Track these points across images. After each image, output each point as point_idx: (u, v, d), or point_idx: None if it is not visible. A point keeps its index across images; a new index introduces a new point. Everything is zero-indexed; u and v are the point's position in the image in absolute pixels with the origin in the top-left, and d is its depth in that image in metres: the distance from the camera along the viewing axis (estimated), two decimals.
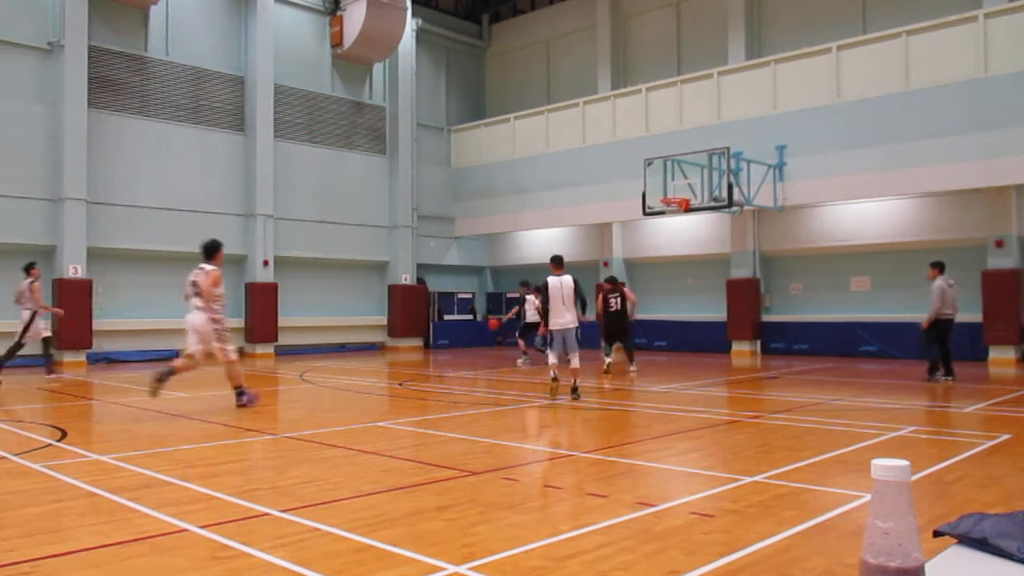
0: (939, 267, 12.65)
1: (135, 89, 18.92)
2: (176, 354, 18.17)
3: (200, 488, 5.36)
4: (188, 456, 6.66)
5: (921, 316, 16.54)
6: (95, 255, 17.86)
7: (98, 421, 9.44)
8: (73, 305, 17.10)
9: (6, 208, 16.89)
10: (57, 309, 15.26)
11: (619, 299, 15.04)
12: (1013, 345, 16.03)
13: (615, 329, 15.04)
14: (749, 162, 17.32)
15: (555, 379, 10.54)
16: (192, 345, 9.70)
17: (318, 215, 22.01)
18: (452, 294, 25.47)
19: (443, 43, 25.73)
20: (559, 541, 4.12)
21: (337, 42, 22.35)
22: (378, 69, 23.62)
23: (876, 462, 2.19)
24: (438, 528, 4.40)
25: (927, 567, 2.19)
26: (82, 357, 17.50)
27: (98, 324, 17.69)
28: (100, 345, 17.95)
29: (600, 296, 15.33)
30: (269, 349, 20.59)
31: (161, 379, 9.60)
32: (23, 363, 16.88)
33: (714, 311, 20.60)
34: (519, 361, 17.24)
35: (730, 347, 19.98)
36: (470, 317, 25.82)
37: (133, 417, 9.28)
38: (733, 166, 16.78)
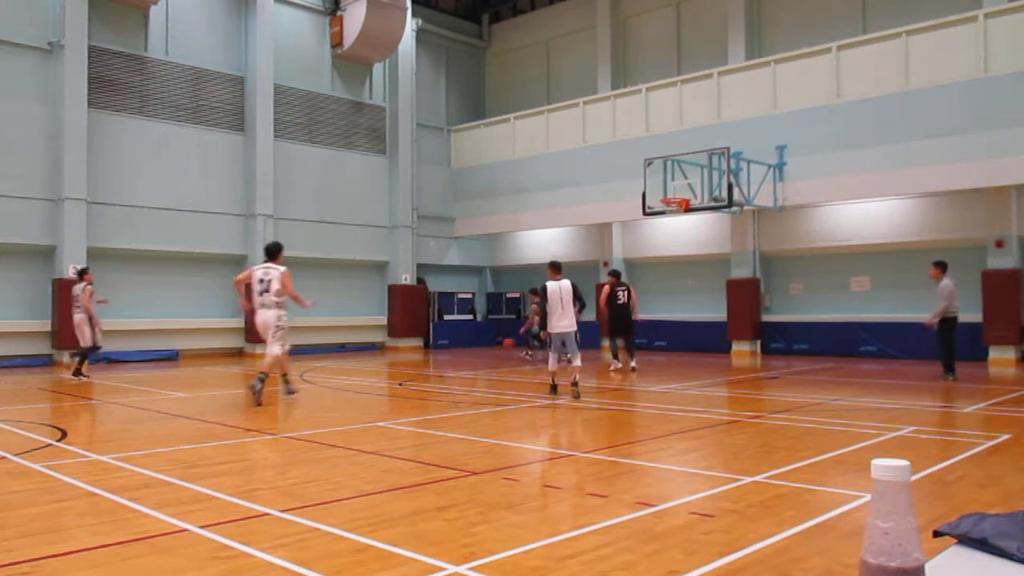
0: (943, 266, 12.74)
1: (135, 89, 18.92)
2: (176, 354, 18.21)
3: (200, 488, 5.36)
4: (188, 456, 6.66)
5: (922, 316, 16.58)
6: (95, 255, 17.85)
7: (98, 421, 9.44)
8: (73, 305, 17.07)
9: (6, 208, 16.89)
10: (95, 323, 14.78)
11: (626, 292, 15.30)
12: (1013, 345, 16.03)
13: (622, 323, 15.11)
14: (749, 162, 17.31)
15: (554, 386, 10.79)
16: (270, 342, 10.35)
17: (318, 215, 22.01)
18: (452, 294, 25.47)
19: (443, 43, 25.73)
20: (559, 541, 4.12)
21: (337, 42, 22.35)
22: (378, 69, 23.62)
23: (876, 462, 2.19)
24: (438, 528, 4.40)
25: (927, 567, 2.19)
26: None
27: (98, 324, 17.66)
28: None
29: (607, 289, 15.33)
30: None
31: (257, 390, 10.07)
32: (25, 363, 16.90)
33: (714, 311, 20.60)
34: (527, 355, 17.66)
35: (730, 347, 19.98)
36: (470, 317, 25.82)
37: (133, 417, 9.29)
38: (733, 166, 16.78)
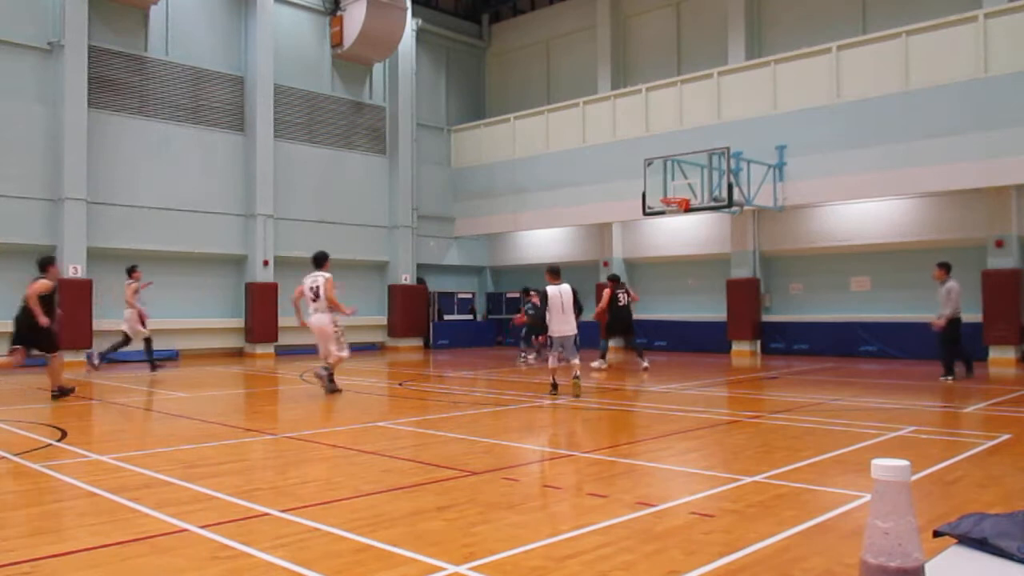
0: (947, 268, 12.84)
1: (135, 89, 18.91)
2: (176, 353, 18.29)
3: (200, 488, 5.36)
4: (188, 456, 6.66)
5: (922, 316, 16.59)
6: (95, 255, 17.86)
7: (98, 421, 9.44)
8: (73, 305, 17.11)
9: (6, 208, 16.89)
10: (143, 316, 15.39)
11: (626, 294, 15.56)
12: (1013, 345, 16.03)
13: (624, 324, 15.25)
14: (749, 162, 17.31)
15: (555, 386, 10.82)
16: (324, 347, 11.32)
17: (318, 215, 22.01)
18: (452, 294, 25.47)
19: (443, 43, 25.73)
20: (559, 541, 4.12)
21: (337, 42, 22.35)
22: (378, 69, 23.62)
23: (876, 462, 2.19)
24: (438, 528, 4.40)
25: (927, 567, 2.18)
26: (82, 357, 17.47)
27: (98, 324, 17.68)
28: (100, 345, 17.93)
29: (608, 291, 15.42)
30: (269, 349, 20.59)
31: (331, 380, 11.19)
32: (25, 363, 16.87)
33: (714, 311, 20.60)
34: (530, 357, 17.79)
35: (730, 347, 19.98)
36: (470, 317, 25.82)
37: (133, 417, 9.29)
38: (733, 166, 16.78)
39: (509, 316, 25.55)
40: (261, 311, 20.37)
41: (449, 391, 12.14)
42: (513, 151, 23.50)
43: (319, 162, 22.14)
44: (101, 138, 18.12)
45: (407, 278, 23.54)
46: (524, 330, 19.35)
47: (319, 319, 11.12)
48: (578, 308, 10.97)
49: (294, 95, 21.70)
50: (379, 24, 21.90)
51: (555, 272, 10.93)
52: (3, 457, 6.52)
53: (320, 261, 11.41)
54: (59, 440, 7.38)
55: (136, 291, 14.85)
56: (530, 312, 19.84)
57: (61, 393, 10.74)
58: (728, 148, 16.63)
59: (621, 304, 15.22)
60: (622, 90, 21.67)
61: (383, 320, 23.46)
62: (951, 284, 12.64)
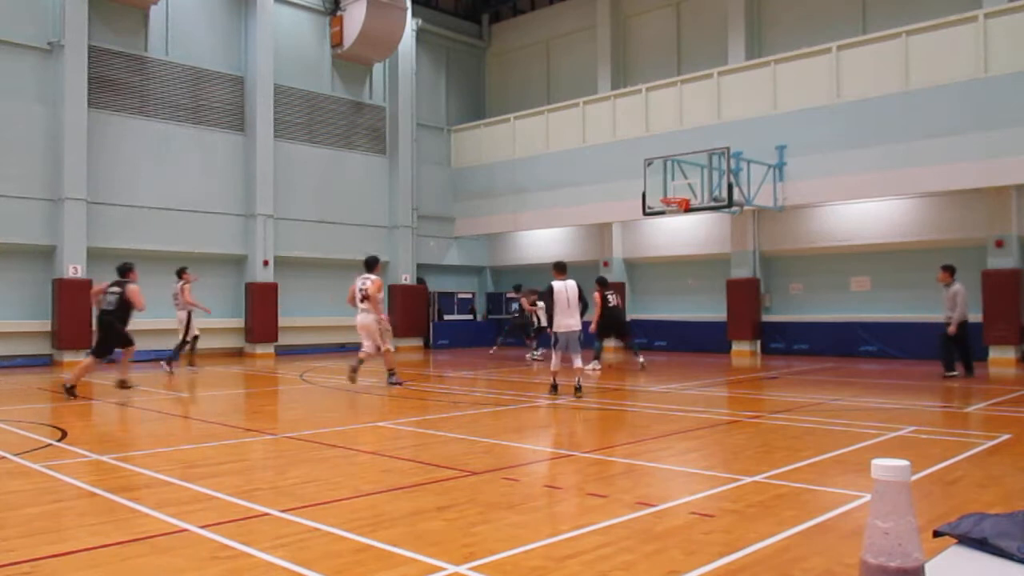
0: (952, 270, 13.06)
1: (135, 89, 18.91)
2: (174, 353, 18.23)
3: (200, 488, 5.36)
4: (188, 456, 6.66)
5: (923, 316, 16.62)
6: (95, 255, 17.85)
7: (98, 421, 9.44)
8: (73, 305, 17.12)
9: (6, 208, 16.89)
10: (206, 308, 15.99)
11: (616, 295, 15.67)
12: (1013, 345, 16.03)
13: (616, 324, 15.32)
14: (749, 162, 17.31)
15: (555, 385, 10.82)
16: (367, 344, 12.27)
17: (318, 215, 22.01)
18: (452, 294, 25.47)
19: (443, 43, 25.73)
20: (559, 541, 4.12)
21: (337, 42, 22.34)
22: (378, 69, 23.61)
23: (876, 462, 2.19)
24: (438, 528, 4.40)
25: (927, 567, 2.18)
26: (82, 357, 17.46)
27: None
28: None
29: (599, 295, 15.47)
30: (269, 349, 20.59)
31: (355, 370, 12.15)
32: (25, 363, 16.90)
33: (714, 311, 20.59)
34: (533, 356, 17.94)
35: (730, 347, 19.98)
36: (470, 317, 25.82)
37: (133, 417, 9.29)
38: (733, 166, 16.77)
39: (509, 316, 25.61)
40: (261, 311, 20.37)
41: (449, 391, 12.14)
42: (513, 151, 23.50)
43: (319, 162, 22.14)
44: (101, 138, 18.12)
45: (407, 278, 23.54)
46: (506, 328, 19.79)
47: (364, 318, 12.14)
48: (583, 304, 11.06)
49: (294, 95, 21.70)
50: (379, 24, 21.90)
51: (561, 268, 11.03)
52: (3, 457, 6.52)
53: (371, 265, 12.50)
54: (59, 440, 7.38)
55: (189, 292, 15.36)
56: (515, 316, 20.02)
57: (123, 385, 11.37)
58: (728, 148, 16.63)
59: (611, 305, 15.32)
60: (622, 90, 21.67)
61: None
62: (957, 287, 12.82)
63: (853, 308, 18.64)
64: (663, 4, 22.45)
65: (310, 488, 5.42)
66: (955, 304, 12.86)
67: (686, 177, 17.29)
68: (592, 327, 15.22)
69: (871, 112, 16.47)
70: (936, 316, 14.32)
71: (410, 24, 23.39)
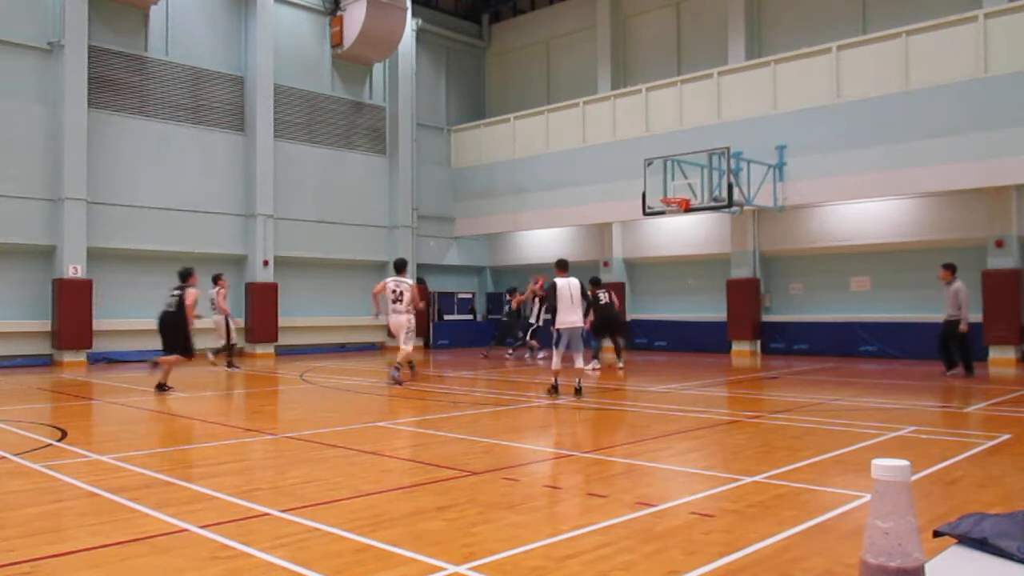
0: (953, 269, 13.32)
1: (135, 89, 18.91)
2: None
3: (200, 488, 5.36)
4: (188, 456, 6.66)
5: (923, 316, 16.64)
6: (95, 255, 17.86)
7: (98, 421, 9.45)
8: (73, 305, 17.13)
9: (6, 208, 16.89)
10: (232, 319, 16.21)
11: (608, 294, 15.69)
12: (1013, 345, 16.03)
13: (609, 322, 15.34)
14: (749, 162, 17.31)
15: (555, 386, 10.75)
16: (403, 341, 12.83)
17: (318, 215, 22.01)
18: (452, 294, 25.47)
19: (443, 43, 25.73)
20: (559, 541, 4.12)
21: (337, 42, 22.35)
22: (378, 69, 23.62)
23: (876, 462, 2.19)
24: (438, 528, 4.40)
25: (927, 567, 2.18)
26: (82, 357, 17.50)
27: (98, 324, 17.69)
28: (100, 345, 17.95)
29: (590, 293, 15.52)
30: (269, 349, 20.59)
31: (401, 368, 12.81)
32: (25, 363, 16.90)
33: (714, 311, 20.59)
34: (538, 357, 17.97)
35: (730, 347, 19.97)
36: (470, 317, 25.82)
37: (133, 417, 9.29)
38: (733, 166, 16.77)
39: (497, 317, 25.62)
40: (261, 311, 20.36)
41: (449, 391, 12.14)
42: (513, 151, 23.50)
43: (319, 162, 22.14)
44: (101, 138, 18.12)
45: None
46: (495, 335, 20.01)
47: (399, 318, 12.79)
48: (586, 302, 11.09)
49: (294, 95, 21.70)
50: (379, 24, 21.90)
51: (563, 266, 11.08)
52: (3, 457, 6.52)
53: (401, 267, 13.24)
54: (59, 440, 7.38)
55: (225, 297, 15.70)
56: (504, 318, 20.06)
57: (163, 389, 11.62)
58: (728, 148, 16.63)
59: (603, 303, 15.34)
60: (622, 90, 21.67)
61: (383, 320, 23.42)
62: (958, 285, 12.95)
63: (853, 308, 18.64)
64: (663, 4, 22.45)
65: (310, 488, 5.42)
66: (957, 302, 12.94)
67: (686, 177, 17.29)
68: (586, 326, 15.30)
69: (871, 112, 16.47)
70: (936, 316, 14.33)
71: (410, 24, 23.40)
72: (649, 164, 17.62)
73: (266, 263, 20.50)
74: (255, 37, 20.54)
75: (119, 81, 18.66)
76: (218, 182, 20.21)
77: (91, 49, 17.98)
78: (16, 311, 17.24)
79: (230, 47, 20.69)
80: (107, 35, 18.50)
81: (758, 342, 19.81)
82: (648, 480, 5.88)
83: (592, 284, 15.77)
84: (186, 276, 11.98)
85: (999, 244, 16.30)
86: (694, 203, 16.91)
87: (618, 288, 22.08)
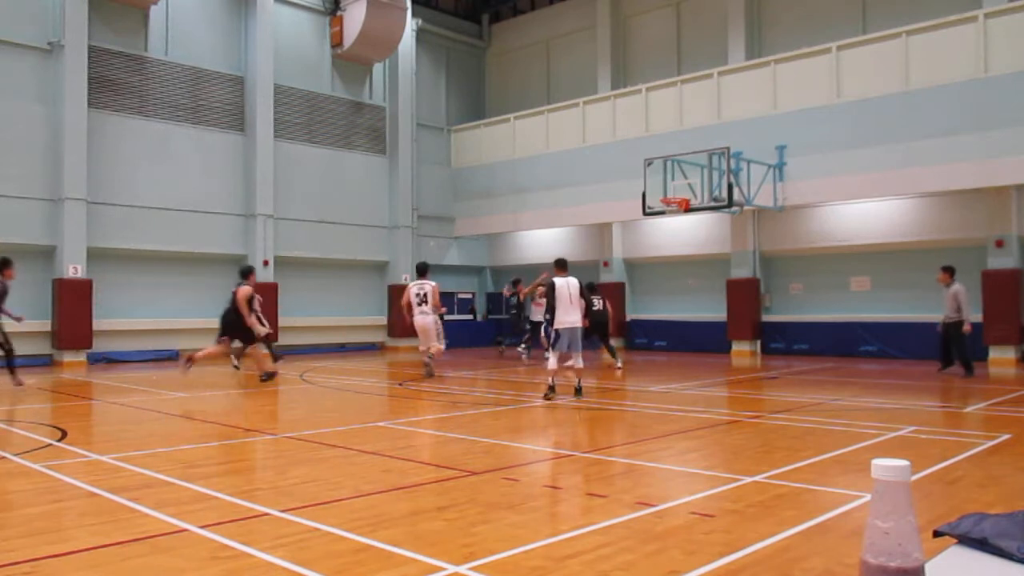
0: (951, 271, 13.54)
1: (135, 89, 18.91)
2: (176, 353, 18.35)
3: (200, 488, 5.36)
4: (188, 456, 6.66)
5: (923, 316, 16.65)
6: (95, 255, 17.86)
7: (98, 421, 9.45)
8: (73, 305, 17.13)
9: (6, 208, 16.89)
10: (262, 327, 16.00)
11: (601, 300, 15.79)
12: (1013, 345, 16.03)
13: (598, 327, 15.42)
14: (749, 162, 17.31)
15: (552, 389, 10.51)
16: (427, 341, 13.78)
17: (318, 215, 22.01)
18: (452, 294, 25.46)
19: (443, 43, 25.73)
20: (559, 541, 4.12)
21: (337, 42, 22.35)
22: (378, 69, 23.62)
23: (876, 462, 2.19)
24: (438, 528, 4.40)
25: (927, 567, 2.19)
26: (82, 357, 17.50)
27: (98, 324, 17.69)
28: (100, 345, 17.95)
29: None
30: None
31: (430, 368, 13.72)
32: (25, 363, 16.89)
33: (714, 311, 20.60)
34: (523, 355, 18.08)
35: (730, 347, 19.98)
36: (470, 317, 25.82)
37: (133, 417, 9.29)
38: (733, 166, 16.78)
39: (509, 316, 25.64)
40: (261, 311, 20.32)
41: (449, 391, 12.13)
42: (513, 151, 23.50)
43: (319, 162, 22.14)
44: (101, 138, 18.12)
45: (407, 278, 23.52)
46: (504, 335, 20.08)
47: (424, 319, 13.54)
48: (586, 302, 10.99)
49: (294, 95, 21.70)
50: (379, 24, 21.90)
51: (562, 265, 10.96)
52: (3, 457, 6.52)
53: (423, 270, 14.15)
54: (59, 440, 7.38)
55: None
56: (514, 310, 20.10)
57: (268, 377, 12.53)
58: (728, 148, 16.63)
59: (596, 308, 15.41)
60: (622, 90, 21.67)
61: (383, 320, 23.46)
62: (957, 287, 13.18)
63: (853, 308, 18.64)
64: (663, 4, 22.45)
65: (310, 488, 5.42)
66: (957, 304, 13.11)
67: (686, 177, 17.29)
68: (584, 325, 15.39)
69: (871, 112, 16.47)
70: (936, 316, 14.35)
71: (410, 24, 23.40)
72: (649, 164, 17.62)
73: (266, 263, 20.50)
74: (255, 37, 20.54)
75: (119, 81, 18.66)
76: (218, 182, 20.20)
77: (91, 49, 17.97)
78: (16, 311, 17.19)
79: (230, 47, 20.69)
80: (107, 35, 18.50)
81: (758, 342, 19.82)
82: (648, 480, 5.88)
83: (587, 288, 15.84)
84: (246, 274, 12.77)
85: (999, 244, 16.30)
86: (694, 203, 16.91)
87: (618, 288, 22.15)
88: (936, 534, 3.32)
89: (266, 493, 5.28)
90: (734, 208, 16.86)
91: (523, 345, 18.31)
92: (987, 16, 15.36)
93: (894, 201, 17.82)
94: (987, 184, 15.39)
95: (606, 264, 22.61)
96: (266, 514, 4.69)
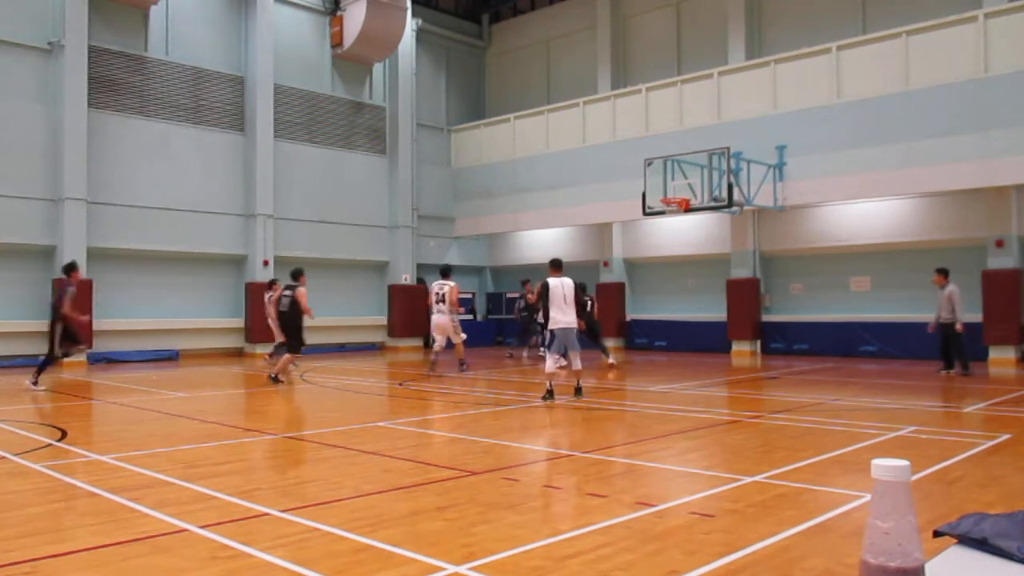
0: (946, 273, 13.73)
1: (135, 89, 18.91)
2: (176, 354, 18.34)
3: (200, 488, 5.36)
4: (188, 456, 6.66)
5: (923, 316, 16.69)
6: (95, 255, 17.86)
7: (98, 421, 9.44)
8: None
9: (6, 208, 16.88)
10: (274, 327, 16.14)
11: (592, 304, 16.01)
12: (1013, 345, 16.03)
13: (588, 329, 15.49)
14: (749, 162, 17.31)
15: (550, 393, 10.34)
16: (440, 339, 14.70)
17: (318, 215, 22.01)
18: None
19: (443, 43, 25.72)
20: (559, 541, 4.12)
21: (337, 42, 22.35)
22: (378, 69, 23.61)
23: (876, 462, 2.19)
24: (438, 528, 4.40)
25: (927, 567, 2.18)
26: (82, 357, 17.48)
27: (98, 324, 17.67)
28: (100, 345, 17.94)
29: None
30: (269, 349, 20.54)
31: (435, 364, 14.46)
32: (25, 363, 16.89)
33: (714, 311, 20.60)
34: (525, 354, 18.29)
35: (730, 347, 19.97)
36: (470, 317, 25.81)
37: (133, 417, 9.29)
38: (733, 166, 16.77)
39: (509, 316, 25.62)
40: (261, 311, 20.31)
41: (449, 391, 12.13)
42: (513, 151, 23.50)
43: (319, 162, 22.13)
44: (101, 138, 18.12)
45: (407, 278, 23.54)
46: (512, 339, 20.08)
47: (441, 318, 14.37)
48: (581, 304, 10.99)
49: (294, 95, 21.70)
50: (379, 24, 21.90)
51: (557, 265, 10.82)
52: (3, 457, 6.52)
53: (445, 272, 14.95)
54: (59, 440, 7.38)
55: (279, 301, 15.59)
56: (524, 312, 20.03)
57: (277, 381, 12.46)
58: (728, 148, 16.63)
59: (587, 310, 15.52)
60: (622, 90, 21.67)
61: (383, 320, 23.46)
62: (951, 288, 13.42)
63: (853, 308, 18.64)
64: (663, 4, 22.45)
65: (310, 488, 5.42)
66: (951, 305, 13.34)
67: (686, 177, 17.29)
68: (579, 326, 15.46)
69: (871, 112, 16.47)
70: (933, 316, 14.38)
71: (410, 24, 23.39)
72: (649, 164, 17.62)
73: (266, 263, 20.50)
74: (255, 37, 20.54)
75: (119, 81, 18.66)
76: (218, 182, 20.20)
77: (91, 49, 17.97)
78: (16, 311, 17.24)
79: (230, 47, 20.69)
80: (107, 35, 18.50)
81: (758, 342, 19.82)
82: (648, 480, 5.88)
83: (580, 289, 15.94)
84: (297, 275, 12.85)
85: (999, 244, 16.31)
86: (694, 203, 16.91)
87: (618, 288, 22.15)
88: (936, 534, 3.31)
89: (266, 493, 5.28)
90: (734, 208, 16.86)
91: (542, 348, 18.26)
92: (987, 16, 15.36)
93: (894, 201, 17.82)
94: (987, 184, 15.39)
95: (606, 264, 22.61)
96: (266, 514, 4.69)
